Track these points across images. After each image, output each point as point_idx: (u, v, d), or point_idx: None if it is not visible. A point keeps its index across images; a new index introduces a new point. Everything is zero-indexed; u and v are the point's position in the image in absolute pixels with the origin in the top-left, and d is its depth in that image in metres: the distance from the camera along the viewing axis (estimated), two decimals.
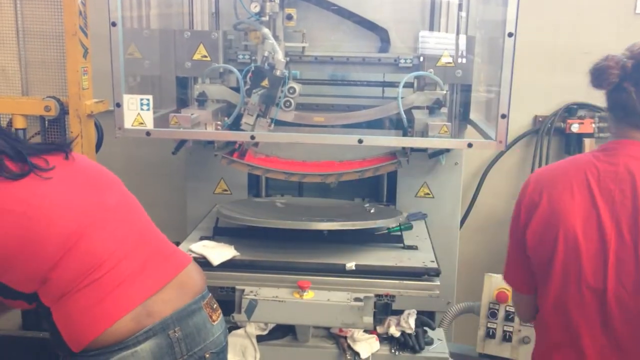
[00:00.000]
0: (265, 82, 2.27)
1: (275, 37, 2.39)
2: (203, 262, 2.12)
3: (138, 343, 1.56)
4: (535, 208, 1.64)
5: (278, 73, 2.27)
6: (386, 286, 2.12)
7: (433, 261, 2.19)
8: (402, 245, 2.31)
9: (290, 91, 2.32)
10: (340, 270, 2.13)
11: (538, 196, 1.65)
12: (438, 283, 2.12)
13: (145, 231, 1.72)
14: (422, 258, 2.22)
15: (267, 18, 2.36)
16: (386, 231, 2.42)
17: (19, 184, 1.51)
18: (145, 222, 1.74)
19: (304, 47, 2.58)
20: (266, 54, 2.28)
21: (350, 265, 2.12)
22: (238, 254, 2.16)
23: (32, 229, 1.49)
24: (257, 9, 2.33)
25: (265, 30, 2.31)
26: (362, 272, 2.13)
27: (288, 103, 2.32)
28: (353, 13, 2.69)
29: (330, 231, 2.22)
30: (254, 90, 2.28)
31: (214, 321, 1.71)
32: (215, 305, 1.75)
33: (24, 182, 1.52)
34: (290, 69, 2.47)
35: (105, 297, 1.55)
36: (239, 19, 2.46)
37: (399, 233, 2.38)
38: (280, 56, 2.28)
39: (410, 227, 2.49)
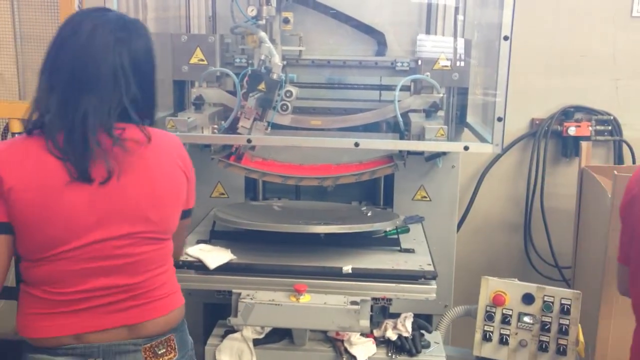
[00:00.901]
0: (262, 86, 2.27)
1: (272, 41, 2.40)
2: (199, 266, 2.12)
3: (57, 355, 1.55)
4: None
5: (275, 76, 2.27)
6: (383, 289, 2.12)
7: (430, 264, 2.19)
8: (399, 248, 2.31)
9: (287, 94, 2.32)
10: (337, 274, 2.12)
11: None
12: (435, 286, 2.12)
13: (133, 282, 1.58)
14: (418, 261, 2.22)
15: (263, 22, 2.36)
16: (383, 234, 2.42)
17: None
18: (139, 273, 1.59)
19: (300, 51, 2.59)
20: (263, 57, 2.29)
21: (347, 268, 2.12)
22: (235, 257, 2.16)
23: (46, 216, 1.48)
24: (254, 13, 2.34)
25: (262, 34, 2.31)
26: (359, 275, 2.13)
27: (285, 106, 2.33)
28: (350, 17, 2.70)
29: (327, 234, 2.22)
30: (250, 94, 2.29)
31: None
32: (162, 350, 1.62)
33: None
34: (287, 72, 2.47)
35: (51, 314, 1.54)
36: (235, 23, 2.47)
37: (395, 236, 2.38)
38: (276, 59, 2.28)
39: (407, 230, 2.49)
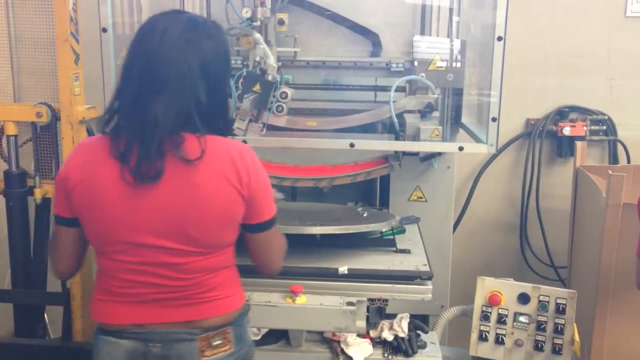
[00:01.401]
0: (257, 87, 2.27)
1: (267, 42, 2.40)
2: None
3: (122, 337, 1.62)
4: None
5: (270, 78, 2.27)
6: (379, 290, 2.12)
7: (425, 265, 2.19)
8: (394, 249, 2.31)
9: (283, 96, 2.32)
10: (333, 275, 2.13)
11: None
12: (430, 286, 2.12)
13: (182, 274, 1.59)
14: (414, 262, 2.22)
15: (258, 23, 2.36)
16: (379, 235, 2.42)
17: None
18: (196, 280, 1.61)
19: (295, 52, 2.59)
20: (258, 58, 2.29)
21: (343, 269, 2.12)
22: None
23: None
24: (249, 14, 2.33)
25: (257, 35, 2.31)
26: (355, 276, 2.13)
27: (280, 108, 2.33)
28: (345, 18, 2.70)
29: (322, 235, 2.22)
30: (245, 95, 2.29)
31: (204, 356, 1.62)
32: (217, 342, 1.62)
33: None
34: (282, 73, 2.47)
35: (114, 302, 1.63)
36: (230, 24, 2.47)
37: (391, 237, 2.38)
38: (271, 61, 2.28)
39: (403, 231, 2.49)
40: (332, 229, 2.20)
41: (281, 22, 2.44)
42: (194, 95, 1.51)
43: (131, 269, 1.58)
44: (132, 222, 1.53)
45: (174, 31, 1.52)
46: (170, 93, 1.49)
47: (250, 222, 1.64)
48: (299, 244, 2.23)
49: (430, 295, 2.12)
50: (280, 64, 2.48)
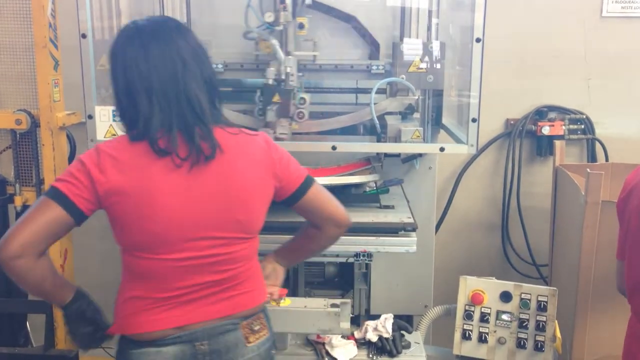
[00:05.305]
0: (276, 98, 2.27)
1: (286, 47, 2.39)
2: None
3: (165, 345, 1.61)
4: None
5: (287, 86, 2.27)
6: (363, 243, 2.12)
7: (410, 217, 2.19)
8: (378, 205, 2.31)
9: (301, 102, 2.32)
10: None
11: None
12: (415, 238, 2.12)
13: (229, 276, 1.66)
14: (398, 216, 2.23)
15: (281, 27, 2.35)
16: (362, 193, 2.43)
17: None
18: (236, 268, 1.67)
19: (315, 56, 2.57)
20: (288, 69, 2.27)
21: None
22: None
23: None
24: (271, 19, 2.32)
25: (274, 41, 2.31)
26: None
27: (301, 114, 2.33)
28: (353, 17, 2.69)
29: None
30: (267, 108, 2.28)
31: (249, 342, 1.68)
32: (257, 327, 1.71)
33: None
34: (302, 80, 2.45)
35: (149, 309, 1.61)
36: (248, 27, 2.46)
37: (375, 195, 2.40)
38: (288, 69, 2.28)
39: (386, 191, 2.50)
40: (318, 180, 2.19)
41: (301, 27, 2.43)
42: (201, 88, 1.59)
43: (181, 266, 1.58)
44: (188, 216, 1.56)
45: (164, 31, 1.59)
46: (186, 86, 1.55)
47: (294, 189, 1.73)
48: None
49: (415, 247, 2.12)
50: (301, 74, 2.46)
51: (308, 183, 1.76)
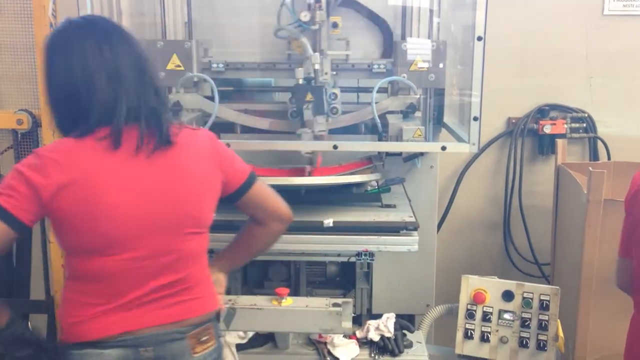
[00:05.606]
0: (309, 96, 2.27)
1: (319, 47, 2.39)
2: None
3: (108, 347, 1.57)
4: None
5: (317, 83, 2.27)
6: (365, 242, 2.12)
7: (411, 216, 2.19)
8: (379, 204, 2.31)
9: (332, 97, 2.33)
10: (318, 228, 2.12)
11: None
12: (417, 237, 2.12)
13: (181, 278, 1.63)
14: (400, 215, 2.22)
15: (317, 27, 2.34)
16: (364, 192, 2.43)
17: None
18: (188, 267, 1.64)
19: (347, 55, 2.56)
20: (316, 66, 2.28)
21: (328, 221, 2.11)
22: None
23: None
24: (307, 18, 2.31)
25: (304, 40, 2.31)
26: (340, 229, 2.12)
27: (334, 109, 2.33)
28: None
29: (307, 190, 2.21)
30: (304, 107, 2.28)
31: (195, 353, 1.65)
32: (205, 338, 1.67)
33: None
34: (334, 77, 2.45)
35: (99, 316, 1.57)
36: (279, 25, 2.45)
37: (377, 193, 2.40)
38: (317, 65, 2.28)
39: (388, 190, 2.50)
40: (318, 179, 2.19)
41: (335, 25, 2.42)
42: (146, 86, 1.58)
43: (133, 266, 1.55)
44: (140, 212, 1.54)
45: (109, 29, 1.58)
46: (130, 85, 1.54)
47: (239, 184, 1.73)
48: (283, 199, 2.23)
49: (417, 246, 2.12)
50: (335, 73, 2.45)
51: (252, 178, 1.76)
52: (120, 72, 1.53)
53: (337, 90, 2.34)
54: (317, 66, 2.28)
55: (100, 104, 1.51)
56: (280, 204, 1.80)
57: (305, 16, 2.31)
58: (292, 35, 2.36)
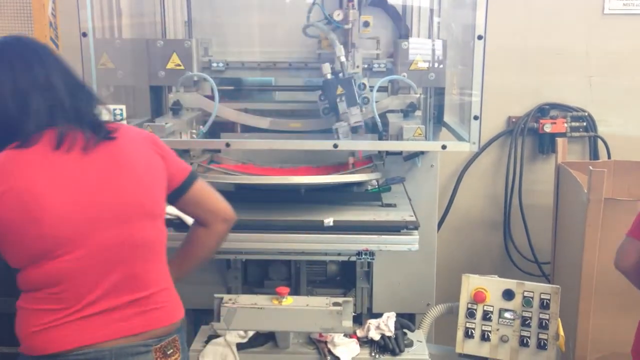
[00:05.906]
0: (340, 90, 2.30)
1: (352, 44, 2.42)
2: (178, 224, 2.07)
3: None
4: None
5: (345, 76, 2.30)
6: (365, 242, 2.12)
7: (412, 216, 2.19)
8: (380, 203, 2.31)
9: (361, 87, 2.35)
10: (318, 227, 2.11)
11: None
12: (417, 237, 2.12)
13: (139, 275, 1.60)
14: (400, 214, 2.22)
15: (350, 26, 2.38)
16: (364, 191, 2.43)
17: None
18: (146, 262, 1.61)
19: (378, 54, 2.58)
20: (342, 59, 2.31)
21: (329, 221, 2.11)
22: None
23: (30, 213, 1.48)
24: (340, 17, 2.35)
25: (332, 35, 2.35)
26: (341, 228, 2.12)
27: (366, 99, 2.35)
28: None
29: (307, 190, 2.21)
30: (337, 101, 2.30)
31: None
32: (170, 351, 1.63)
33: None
34: (362, 72, 2.47)
35: (60, 325, 1.52)
36: (309, 22, 2.47)
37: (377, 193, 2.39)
38: (342, 58, 2.32)
39: (388, 189, 2.50)
40: (318, 179, 2.19)
41: (366, 25, 2.45)
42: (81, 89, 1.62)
43: (87, 265, 1.52)
44: (83, 207, 1.51)
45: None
46: (61, 91, 1.55)
47: (180, 182, 1.71)
48: (283, 199, 2.24)
49: (417, 246, 2.12)
50: (365, 66, 2.48)
51: (193, 176, 1.75)
52: (51, 81, 1.54)
53: (365, 80, 2.37)
54: (342, 59, 2.30)
55: (35, 113, 1.51)
56: (222, 203, 1.78)
57: (338, 15, 2.35)
58: (323, 34, 2.37)
